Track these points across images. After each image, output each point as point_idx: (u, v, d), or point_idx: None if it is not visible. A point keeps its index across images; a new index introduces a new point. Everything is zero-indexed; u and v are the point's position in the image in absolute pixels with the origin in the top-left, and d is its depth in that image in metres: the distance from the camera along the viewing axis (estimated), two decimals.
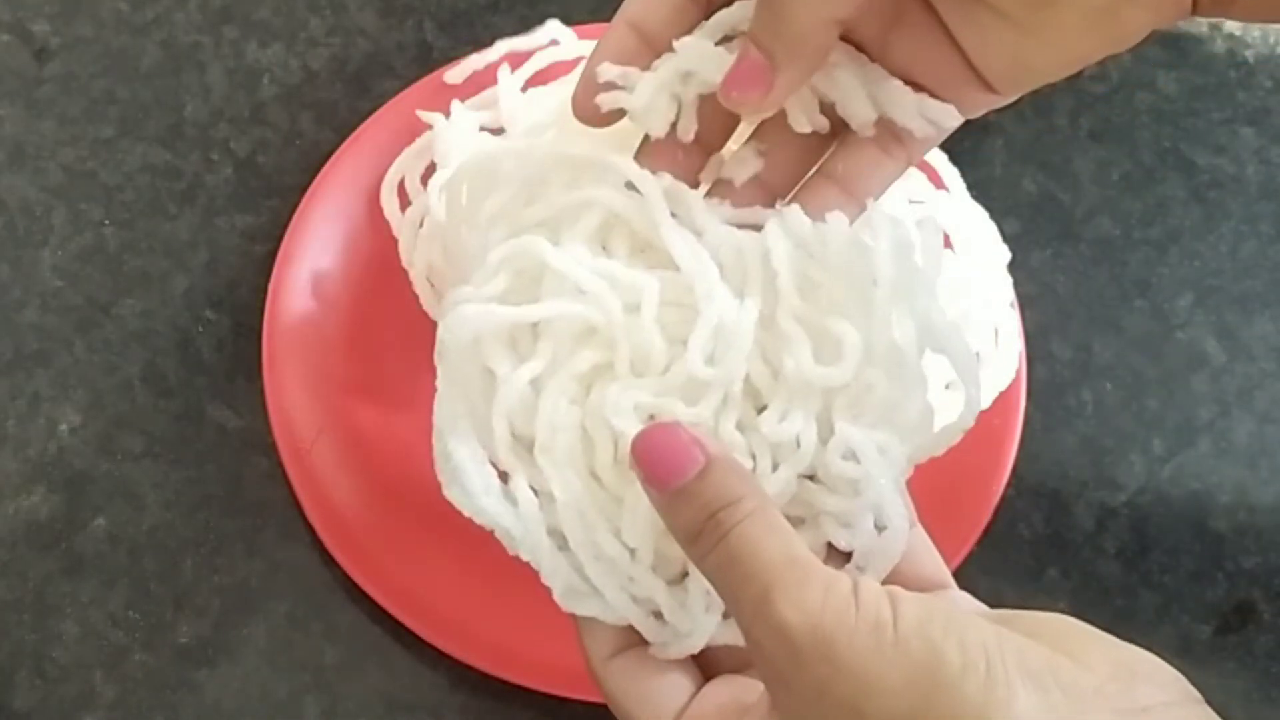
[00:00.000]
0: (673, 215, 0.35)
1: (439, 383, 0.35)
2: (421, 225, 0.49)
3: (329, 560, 0.45)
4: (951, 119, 0.34)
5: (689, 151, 0.35)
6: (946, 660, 0.28)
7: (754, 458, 0.34)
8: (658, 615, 0.34)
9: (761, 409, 0.34)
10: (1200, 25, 0.58)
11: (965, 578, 0.47)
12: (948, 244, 0.47)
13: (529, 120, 0.47)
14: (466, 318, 0.34)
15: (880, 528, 0.34)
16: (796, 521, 0.34)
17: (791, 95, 0.34)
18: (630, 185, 0.35)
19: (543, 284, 0.35)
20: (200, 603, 0.46)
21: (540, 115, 0.45)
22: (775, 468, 0.34)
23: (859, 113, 0.34)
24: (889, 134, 0.35)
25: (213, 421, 0.49)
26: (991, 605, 0.48)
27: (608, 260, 0.35)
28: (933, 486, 0.46)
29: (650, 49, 0.34)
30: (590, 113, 0.35)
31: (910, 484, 0.45)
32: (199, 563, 0.46)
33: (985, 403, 0.46)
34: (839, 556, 0.35)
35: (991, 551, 0.47)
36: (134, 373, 0.49)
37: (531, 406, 0.34)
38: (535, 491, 0.34)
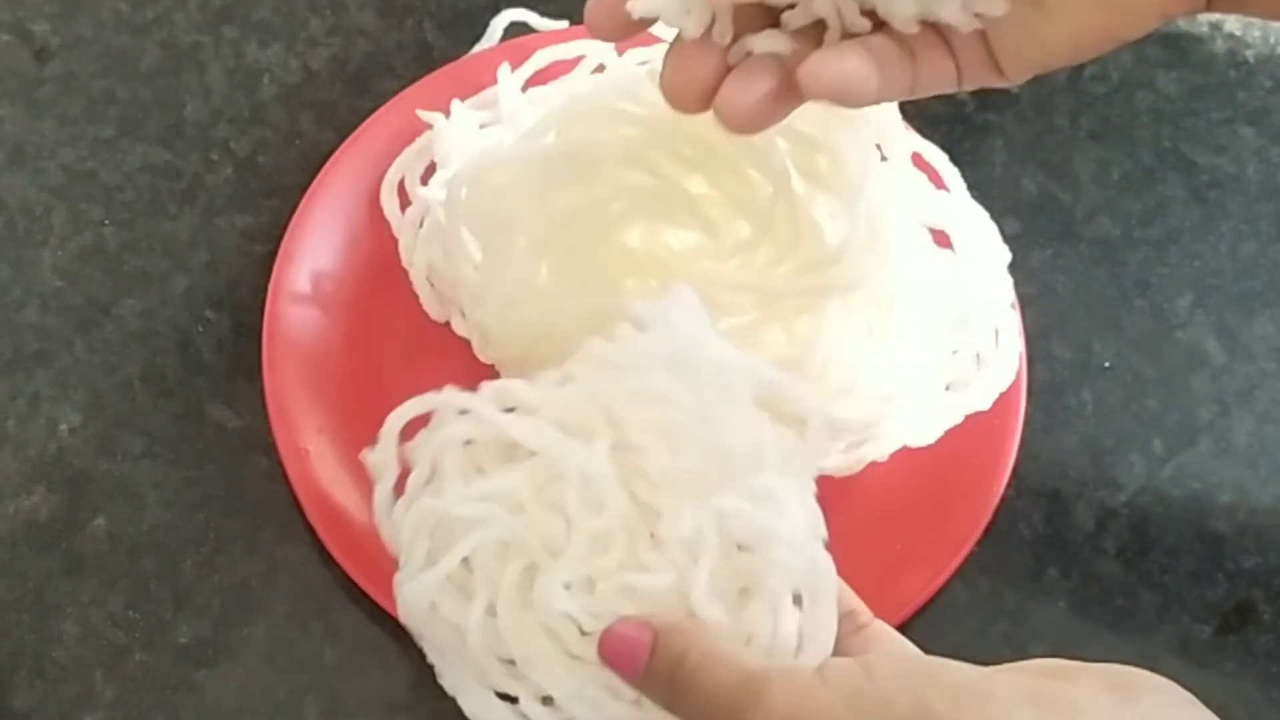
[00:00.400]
0: (511, 410, 0.38)
1: (430, 656, 0.39)
2: (422, 225, 0.49)
3: (329, 560, 0.45)
4: (997, 7, 0.33)
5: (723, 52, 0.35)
6: (933, 707, 0.29)
7: (676, 566, 0.37)
8: None
9: (660, 540, 0.37)
10: (1200, 25, 0.58)
11: (965, 577, 0.47)
12: (947, 244, 0.47)
13: (529, 121, 0.47)
14: (413, 594, 0.38)
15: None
16: (749, 595, 0.36)
17: None
18: (464, 410, 0.39)
19: (453, 530, 0.39)
20: (200, 603, 0.46)
21: (541, 116, 0.45)
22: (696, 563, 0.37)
23: (901, 10, 0.34)
24: (913, 44, 0.35)
25: (213, 421, 0.49)
26: (992, 605, 0.48)
27: (481, 481, 0.38)
28: (933, 486, 0.46)
29: None
30: (607, 26, 0.34)
31: (912, 483, 0.45)
32: (199, 563, 0.46)
33: (985, 404, 0.46)
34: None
35: (991, 551, 0.47)
36: (134, 373, 0.49)
37: (494, 634, 0.38)
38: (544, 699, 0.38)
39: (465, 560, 0.38)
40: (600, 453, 0.37)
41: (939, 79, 0.36)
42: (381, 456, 0.41)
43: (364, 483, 0.46)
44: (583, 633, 0.37)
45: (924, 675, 0.30)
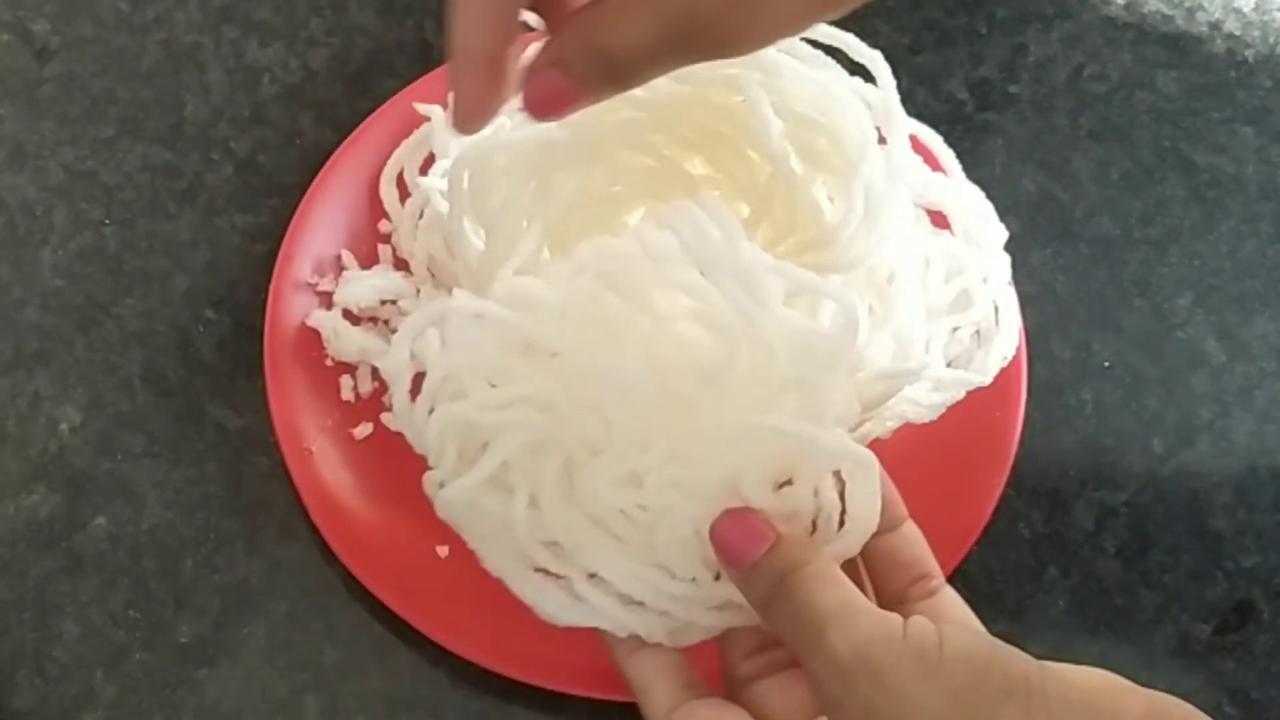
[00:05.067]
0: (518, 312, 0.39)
1: (473, 545, 0.40)
2: (421, 215, 0.49)
3: (329, 559, 0.45)
4: None
5: None
6: (989, 685, 0.31)
7: (722, 458, 0.38)
8: (743, 606, 0.38)
9: (700, 429, 0.38)
10: (1200, 25, 0.58)
11: (965, 577, 0.47)
12: (945, 226, 0.47)
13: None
14: (451, 497, 0.39)
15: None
16: (790, 480, 0.38)
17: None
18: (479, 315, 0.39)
19: (479, 433, 0.39)
20: (200, 602, 0.46)
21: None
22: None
23: None
24: None
25: (213, 421, 0.49)
26: (991, 605, 0.48)
27: (507, 386, 0.39)
28: (933, 484, 0.46)
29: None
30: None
31: (911, 481, 0.45)
32: (199, 562, 0.46)
33: (987, 379, 0.46)
34: None
35: (991, 550, 0.47)
36: (134, 372, 0.49)
37: (540, 524, 0.39)
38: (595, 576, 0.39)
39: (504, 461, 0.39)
40: (635, 357, 0.38)
41: None
42: (395, 362, 0.42)
43: (368, 482, 0.46)
44: (629, 521, 0.38)
45: (989, 657, 0.32)
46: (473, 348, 0.39)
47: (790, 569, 0.35)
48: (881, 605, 0.39)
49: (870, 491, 0.38)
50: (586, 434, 0.38)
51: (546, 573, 0.41)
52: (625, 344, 0.38)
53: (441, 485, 0.40)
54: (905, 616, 0.35)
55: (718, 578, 0.39)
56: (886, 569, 0.39)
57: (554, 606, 0.39)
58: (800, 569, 0.35)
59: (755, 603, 0.37)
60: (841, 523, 0.38)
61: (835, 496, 0.38)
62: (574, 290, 0.38)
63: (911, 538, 0.39)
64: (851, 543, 0.38)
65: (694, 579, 0.39)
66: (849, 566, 0.40)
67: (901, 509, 0.40)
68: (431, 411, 0.41)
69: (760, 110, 0.40)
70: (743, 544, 0.36)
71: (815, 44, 0.41)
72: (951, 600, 0.39)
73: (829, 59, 0.42)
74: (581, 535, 0.39)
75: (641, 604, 0.39)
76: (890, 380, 0.42)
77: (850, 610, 0.34)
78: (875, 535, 0.39)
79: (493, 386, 0.39)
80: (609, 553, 0.39)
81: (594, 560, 0.39)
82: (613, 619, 0.39)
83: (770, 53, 0.41)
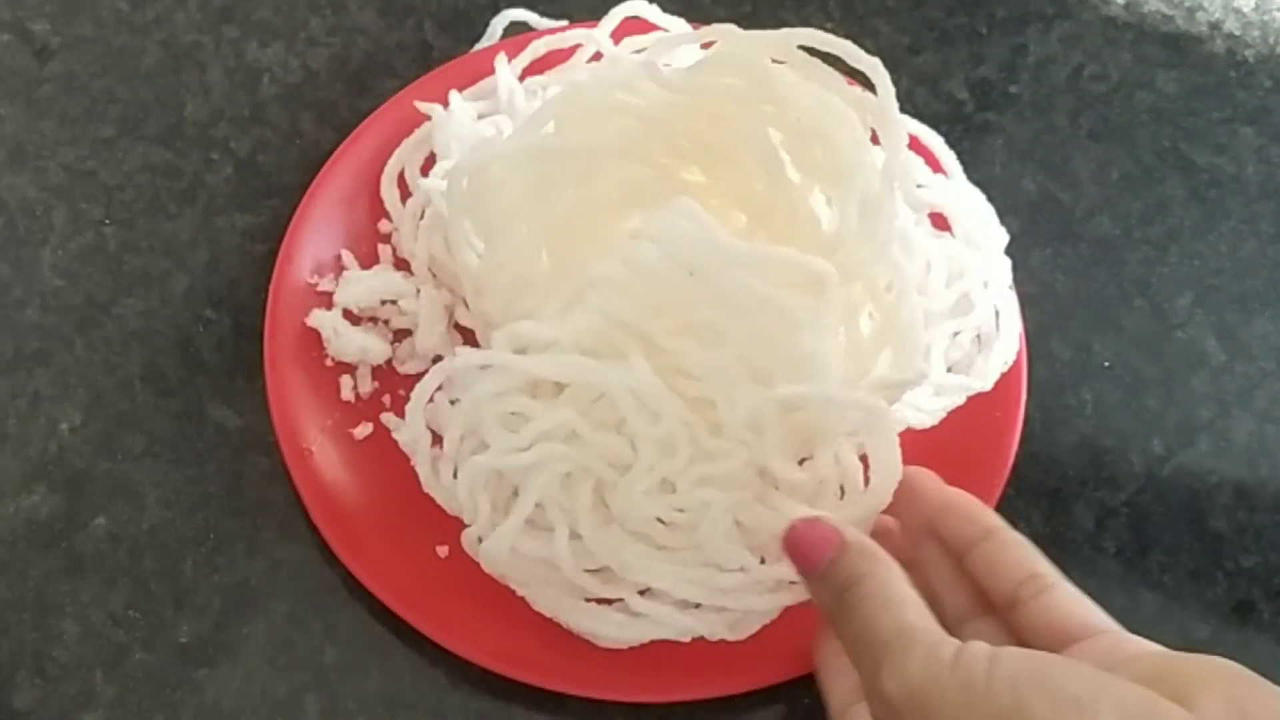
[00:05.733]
0: (524, 352, 0.40)
1: (521, 592, 0.43)
2: (422, 216, 0.49)
3: (329, 559, 0.45)
4: None
5: None
6: (1033, 708, 0.30)
7: (744, 444, 0.39)
8: (795, 583, 0.41)
9: (718, 425, 0.40)
10: (1200, 25, 0.58)
11: None
12: (945, 227, 0.47)
13: (528, 111, 0.47)
14: (492, 550, 0.41)
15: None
16: (812, 447, 0.40)
17: None
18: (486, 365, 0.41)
19: (509, 478, 0.41)
20: (200, 602, 0.46)
21: (540, 106, 0.45)
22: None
23: None
24: None
25: (213, 421, 0.49)
26: None
27: (530, 425, 0.40)
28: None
29: None
30: None
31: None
32: (199, 562, 0.46)
33: (988, 384, 0.46)
34: None
35: None
36: (134, 372, 0.49)
37: (583, 552, 0.41)
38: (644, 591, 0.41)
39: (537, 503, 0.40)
40: (642, 367, 0.39)
41: None
42: (412, 433, 0.44)
43: (368, 482, 0.46)
44: (665, 524, 0.40)
45: (1040, 680, 0.31)
46: (483, 399, 0.41)
47: (849, 585, 0.36)
48: (994, 609, 0.39)
49: (887, 439, 0.39)
50: (612, 453, 0.40)
51: (598, 601, 0.42)
52: (631, 360, 0.39)
53: (480, 540, 0.41)
54: (1018, 618, 0.36)
55: (762, 561, 0.41)
56: (989, 575, 0.39)
57: (613, 628, 0.41)
58: (858, 585, 0.36)
59: (825, 611, 0.37)
60: (868, 481, 0.40)
61: (855, 459, 0.40)
62: (574, 325, 0.40)
63: (1010, 542, 0.40)
64: (882, 493, 0.39)
65: (742, 567, 0.40)
66: (961, 575, 0.40)
67: (991, 518, 0.40)
68: (456, 472, 0.42)
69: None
70: (810, 550, 0.37)
71: (813, 51, 0.41)
72: (1066, 596, 0.38)
73: (827, 67, 0.42)
74: (627, 554, 0.40)
75: (697, 606, 0.41)
76: (888, 390, 0.42)
77: (903, 640, 0.34)
78: (970, 546, 0.40)
79: (512, 432, 0.41)
80: (656, 563, 0.40)
81: (644, 574, 0.40)
82: (673, 625, 0.40)
83: (765, 62, 0.41)
